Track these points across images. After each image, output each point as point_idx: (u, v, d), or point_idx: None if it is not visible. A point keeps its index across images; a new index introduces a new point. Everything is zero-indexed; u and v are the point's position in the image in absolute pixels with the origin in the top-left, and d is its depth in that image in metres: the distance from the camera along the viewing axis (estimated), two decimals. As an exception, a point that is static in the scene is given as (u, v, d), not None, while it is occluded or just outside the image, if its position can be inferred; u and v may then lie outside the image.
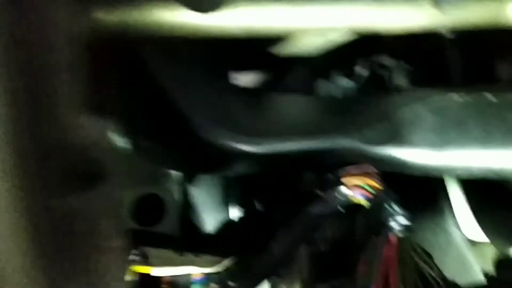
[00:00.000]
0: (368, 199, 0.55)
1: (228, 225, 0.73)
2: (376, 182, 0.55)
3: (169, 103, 0.42)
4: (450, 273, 0.78)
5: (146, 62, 0.41)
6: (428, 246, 0.81)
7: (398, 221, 0.54)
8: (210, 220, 0.75)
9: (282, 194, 0.59)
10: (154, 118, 0.45)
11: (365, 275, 0.52)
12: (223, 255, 0.52)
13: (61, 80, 0.21)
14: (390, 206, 0.54)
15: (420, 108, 0.52)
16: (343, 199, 0.56)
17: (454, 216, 0.77)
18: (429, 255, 0.61)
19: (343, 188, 0.55)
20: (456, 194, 0.74)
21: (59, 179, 0.18)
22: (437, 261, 0.80)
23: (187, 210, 0.74)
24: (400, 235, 0.54)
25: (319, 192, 0.56)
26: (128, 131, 0.45)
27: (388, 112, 0.53)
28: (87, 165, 0.18)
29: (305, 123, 0.51)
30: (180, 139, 0.46)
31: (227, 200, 0.78)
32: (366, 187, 0.55)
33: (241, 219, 0.73)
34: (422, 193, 0.81)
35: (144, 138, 0.46)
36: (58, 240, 0.21)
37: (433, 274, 0.53)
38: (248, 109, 0.49)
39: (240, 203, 0.76)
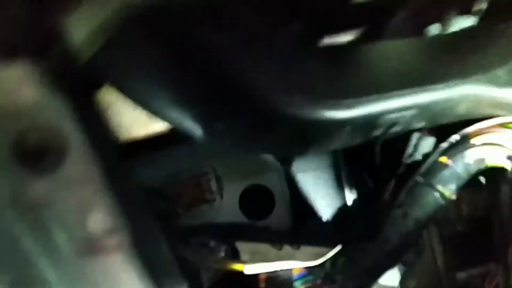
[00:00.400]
0: (510, 159, 0.42)
1: (342, 211, 0.65)
2: (520, 136, 0.42)
3: (233, 77, 0.36)
4: None
5: (196, 34, 0.35)
6: None
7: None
8: (323, 207, 0.69)
9: (393, 168, 0.48)
10: (221, 96, 0.39)
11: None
12: (328, 245, 0.44)
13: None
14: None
15: None
16: (476, 164, 0.44)
17: None
18: None
19: (473, 150, 0.44)
20: None
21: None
22: None
23: (298, 199, 0.69)
24: None
25: (442, 159, 0.44)
26: (198, 116, 0.41)
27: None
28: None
29: (410, 71, 0.40)
30: (257, 116, 0.40)
31: (339, 183, 0.71)
32: (505, 144, 0.42)
33: (355, 202, 0.65)
34: None
35: (217, 121, 0.40)
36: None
37: None
38: (331, 68, 0.40)
39: (353, 185, 0.68)
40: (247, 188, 0.65)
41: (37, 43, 0.14)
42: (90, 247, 0.15)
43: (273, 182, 0.67)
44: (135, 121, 0.45)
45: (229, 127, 0.41)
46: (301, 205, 0.68)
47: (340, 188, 0.70)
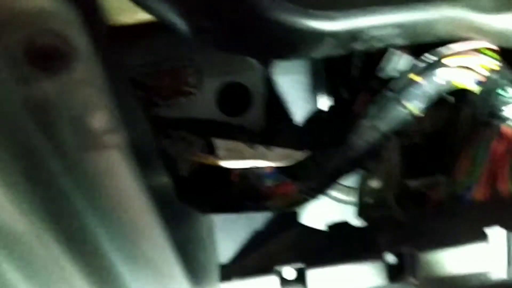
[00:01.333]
0: (477, 83, 0.44)
1: (315, 117, 0.68)
2: (490, 62, 0.44)
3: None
4: None
5: None
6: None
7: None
8: (297, 110, 0.71)
9: (367, 81, 0.50)
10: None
11: (467, 173, 0.45)
12: (298, 148, 0.47)
13: None
14: (505, 91, 0.44)
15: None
16: (444, 83, 0.46)
17: None
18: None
19: (444, 71, 0.46)
20: None
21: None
22: None
23: (274, 100, 0.71)
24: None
25: (413, 76, 0.46)
26: (185, 13, 0.40)
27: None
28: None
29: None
30: (243, 18, 0.40)
31: (315, 89, 0.72)
32: (477, 69, 0.44)
33: (329, 109, 0.67)
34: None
35: (203, 19, 0.40)
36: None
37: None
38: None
39: (329, 92, 0.70)
40: (225, 85, 0.66)
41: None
42: (93, 143, 0.17)
43: (252, 81, 0.67)
44: (122, 8, 0.44)
45: (214, 26, 0.41)
46: (276, 107, 0.70)
47: (316, 94, 0.72)
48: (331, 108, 0.65)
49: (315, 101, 0.73)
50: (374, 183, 0.53)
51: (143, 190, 0.22)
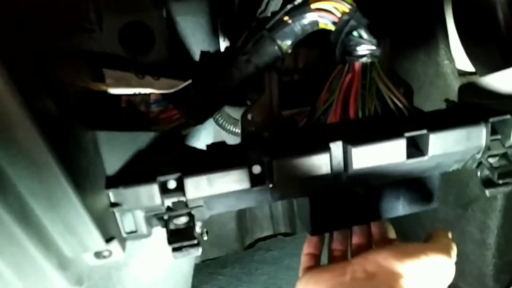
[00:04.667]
0: (334, 24, 0.52)
1: (210, 55, 0.72)
2: (345, 6, 0.51)
3: None
4: (437, 104, 0.78)
5: None
6: (415, 77, 0.80)
7: (365, 48, 0.52)
8: (199, 50, 0.75)
9: (247, 20, 0.56)
10: None
11: (324, 102, 0.53)
12: (183, 78, 0.53)
13: None
14: (358, 32, 0.52)
15: None
16: (310, 25, 0.54)
17: (447, 47, 0.73)
18: (408, 85, 0.60)
19: (310, 14, 0.53)
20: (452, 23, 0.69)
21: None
22: (423, 92, 0.79)
23: (176, 40, 0.74)
24: (366, 62, 0.52)
25: (284, 17, 0.53)
26: None
27: None
28: None
29: None
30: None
31: (215, 31, 0.77)
32: (333, 11, 0.52)
33: (226, 49, 0.72)
34: (418, 25, 0.76)
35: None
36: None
37: (396, 101, 0.53)
38: None
39: (226, 33, 0.75)
40: (127, 23, 0.68)
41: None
42: None
43: (153, 21, 0.69)
44: None
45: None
46: (178, 47, 0.74)
47: (215, 36, 0.77)
48: (229, 48, 0.71)
49: (216, 42, 0.78)
50: (255, 113, 0.60)
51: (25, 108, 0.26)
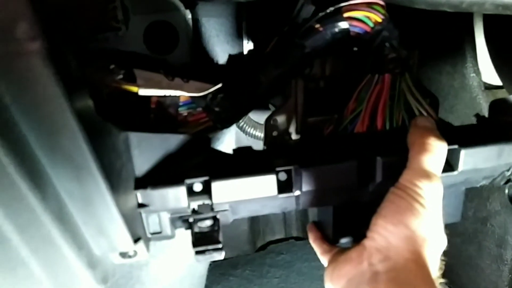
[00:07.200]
0: (365, 34, 0.52)
1: (234, 58, 0.73)
2: (378, 16, 0.51)
3: None
4: (461, 117, 0.77)
5: None
6: (440, 89, 0.79)
7: (396, 59, 0.52)
8: (221, 53, 0.75)
9: (279, 26, 0.56)
10: None
11: (352, 111, 0.53)
12: (213, 82, 0.53)
13: None
14: (389, 43, 0.51)
15: None
16: (341, 33, 0.53)
17: (475, 60, 0.73)
18: (434, 96, 0.60)
19: (342, 23, 0.53)
20: (481, 37, 0.69)
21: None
22: (447, 104, 0.79)
23: (200, 41, 0.74)
24: (395, 73, 0.52)
25: (316, 24, 0.53)
26: None
27: None
28: None
29: None
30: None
31: (240, 34, 0.77)
32: (366, 20, 0.51)
33: (250, 52, 0.72)
34: (446, 37, 0.75)
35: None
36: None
37: (424, 113, 0.53)
38: None
39: (250, 36, 0.75)
40: (152, 23, 0.68)
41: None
42: (16, 50, 0.21)
43: (178, 21, 0.70)
44: None
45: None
46: (201, 48, 0.74)
47: (239, 38, 0.77)
48: (253, 51, 0.71)
49: (239, 45, 0.78)
50: (280, 119, 0.60)
51: (64, 95, 0.26)
